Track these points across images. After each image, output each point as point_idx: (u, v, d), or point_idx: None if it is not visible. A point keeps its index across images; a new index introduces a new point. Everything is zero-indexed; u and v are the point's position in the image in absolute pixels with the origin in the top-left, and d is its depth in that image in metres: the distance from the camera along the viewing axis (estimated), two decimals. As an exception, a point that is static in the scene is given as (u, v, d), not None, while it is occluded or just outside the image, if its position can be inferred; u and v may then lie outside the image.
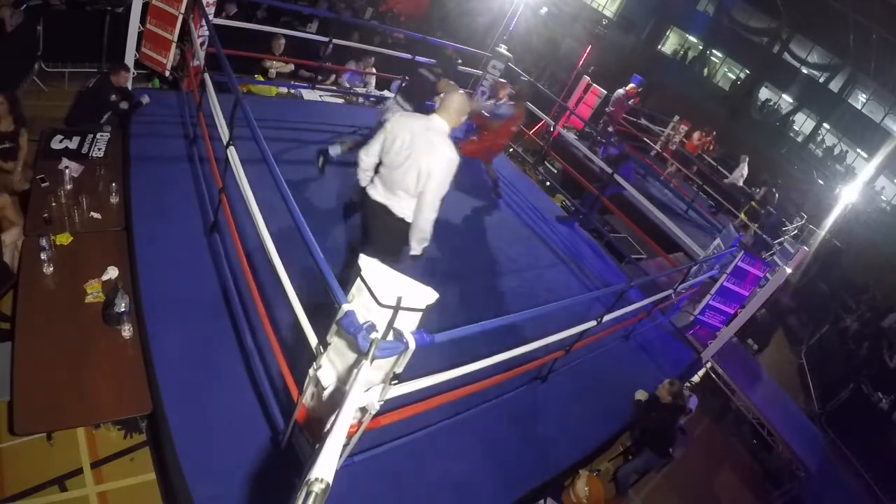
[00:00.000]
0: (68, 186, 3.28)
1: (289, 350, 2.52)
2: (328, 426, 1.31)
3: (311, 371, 1.93)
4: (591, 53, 12.07)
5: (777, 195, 9.78)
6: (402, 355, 1.71)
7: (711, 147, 11.22)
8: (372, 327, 1.59)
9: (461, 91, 2.79)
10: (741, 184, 10.53)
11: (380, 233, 2.82)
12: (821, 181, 15.14)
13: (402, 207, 2.68)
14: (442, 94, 4.17)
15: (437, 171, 2.50)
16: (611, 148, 9.22)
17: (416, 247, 2.80)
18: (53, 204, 3.14)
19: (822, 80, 15.99)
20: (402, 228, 2.74)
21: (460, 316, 3.63)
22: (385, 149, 2.60)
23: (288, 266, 2.29)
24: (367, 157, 2.74)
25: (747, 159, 10.58)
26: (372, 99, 6.79)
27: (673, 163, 10.62)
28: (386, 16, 9.89)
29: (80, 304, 2.68)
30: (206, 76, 3.60)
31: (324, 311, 2.01)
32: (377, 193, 2.71)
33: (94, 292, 2.74)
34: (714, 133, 11.21)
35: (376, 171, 2.75)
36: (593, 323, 3.43)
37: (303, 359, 2.10)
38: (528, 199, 6.21)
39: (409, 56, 6.02)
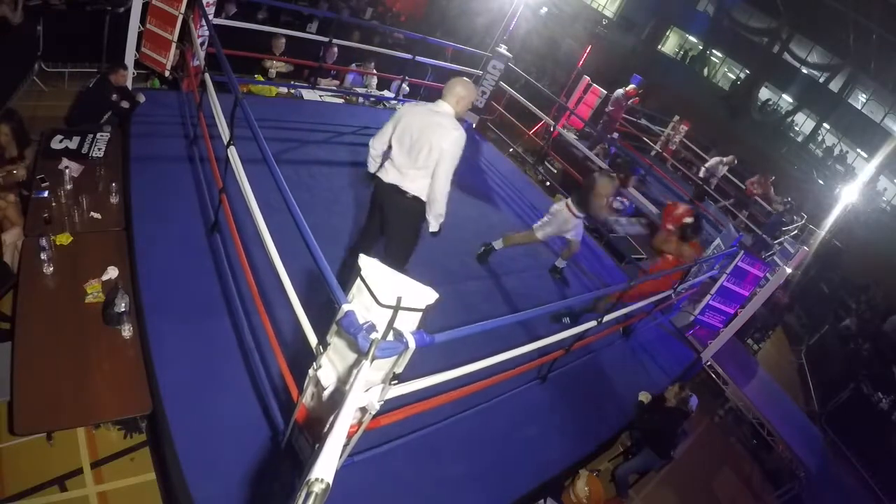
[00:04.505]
0: (68, 186, 3.28)
1: (289, 350, 2.52)
2: (328, 426, 1.31)
3: (311, 371, 1.93)
4: (590, 53, 12.06)
5: (792, 207, 9.65)
6: (402, 355, 1.70)
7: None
8: (372, 327, 1.59)
9: (467, 80, 2.88)
10: (715, 176, 10.14)
11: (394, 214, 2.96)
12: (821, 181, 15.15)
13: (415, 187, 2.85)
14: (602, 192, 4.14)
15: (447, 147, 2.72)
16: (612, 148, 9.19)
17: (434, 222, 2.96)
18: (53, 204, 3.14)
19: (822, 80, 16.01)
20: (415, 207, 2.90)
21: (460, 316, 3.63)
22: (395, 135, 2.81)
23: (288, 266, 2.29)
24: (378, 144, 2.94)
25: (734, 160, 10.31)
26: (372, 99, 6.79)
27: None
28: (386, 16, 9.89)
29: (80, 304, 2.67)
30: (207, 76, 3.60)
31: (324, 310, 2.01)
32: (389, 176, 2.87)
33: (94, 292, 2.74)
34: (773, 178, 10.43)
35: (386, 157, 2.93)
36: (593, 323, 3.43)
37: (303, 359, 2.10)
38: (528, 199, 6.21)
39: (409, 56, 6.04)
